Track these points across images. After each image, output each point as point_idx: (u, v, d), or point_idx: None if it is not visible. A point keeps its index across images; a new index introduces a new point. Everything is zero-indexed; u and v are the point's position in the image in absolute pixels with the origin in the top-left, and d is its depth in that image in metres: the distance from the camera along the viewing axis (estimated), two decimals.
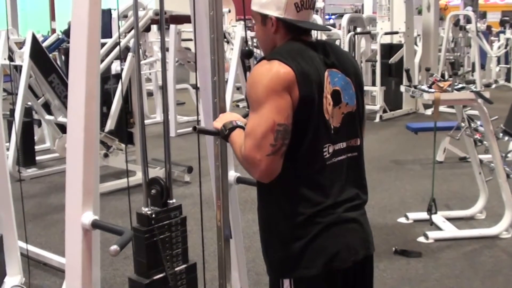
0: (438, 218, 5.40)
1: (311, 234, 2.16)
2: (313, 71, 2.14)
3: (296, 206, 2.17)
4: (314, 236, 2.16)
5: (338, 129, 2.21)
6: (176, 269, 2.77)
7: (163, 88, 2.85)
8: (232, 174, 2.97)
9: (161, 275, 2.70)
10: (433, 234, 5.12)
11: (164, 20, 2.83)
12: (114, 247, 2.21)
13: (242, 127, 2.25)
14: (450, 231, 5.26)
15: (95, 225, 2.43)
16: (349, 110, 2.25)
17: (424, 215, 5.28)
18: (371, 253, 2.34)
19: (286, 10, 2.22)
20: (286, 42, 2.25)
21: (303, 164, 2.15)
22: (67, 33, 10.18)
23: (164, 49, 2.95)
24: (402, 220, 5.59)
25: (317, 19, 13.31)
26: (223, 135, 2.30)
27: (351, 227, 2.22)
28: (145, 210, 2.68)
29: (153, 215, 2.66)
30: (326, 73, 2.18)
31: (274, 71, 2.09)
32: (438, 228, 5.30)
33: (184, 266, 2.80)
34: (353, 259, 2.21)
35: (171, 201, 2.76)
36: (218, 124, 2.35)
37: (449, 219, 5.47)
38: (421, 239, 5.12)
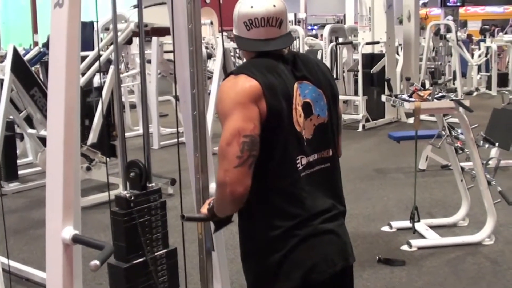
0: (421, 226, 5.41)
1: (288, 246, 2.16)
2: (280, 84, 2.16)
3: (272, 219, 2.17)
4: (291, 248, 2.16)
5: (310, 140, 2.22)
6: (156, 253, 2.74)
7: (143, 97, 2.86)
8: (213, 187, 2.96)
9: (140, 260, 2.67)
10: (416, 242, 5.14)
11: (145, 32, 2.83)
12: (94, 262, 2.20)
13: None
14: (433, 239, 5.28)
15: (75, 239, 2.42)
16: (321, 122, 2.27)
17: (407, 223, 5.29)
18: (350, 264, 2.34)
19: (238, 28, 2.28)
20: (254, 57, 2.28)
21: (276, 176, 2.16)
22: (47, 45, 10.16)
23: (144, 61, 2.95)
24: (385, 228, 5.61)
25: (299, 30, 13.38)
26: (211, 212, 2.30)
27: (328, 239, 2.23)
28: (124, 193, 2.65)
29: (132, 198, 2.63)
30: (295, 85, 2.20)
31: (240, 84, 2.13)
32: (421, 236, 5.31)
33: (164, 251, 2.77)
34: (331, 270, 2.22)
35: (150, 185, 2.74)
36: (207, 211, 2.35)
37: (432, 227, 5.49)
38: (405, 247, 5.13)
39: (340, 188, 2.37)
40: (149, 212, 2.70)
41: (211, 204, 2.32)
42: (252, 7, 2.23)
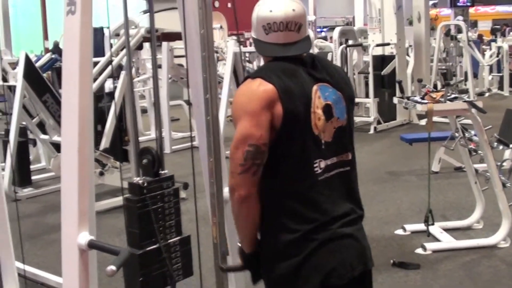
0: (436, 229, 5.39)
1: (307, 251, 2.16)
2: (297, 87, 2.16)
3: (290, 223, 2.17)
4: (310, 253, 2.16)
5: (330, 143, 2.22)
6: (170, 240, 2.73)
7: (155, 101, 2.86)
8: (227, 191, 2.96)
9: (154, 247, 2.67)
10: (430, 245, 5.11)
11: (156, 37, 2.84)
12: (111, 268, 2.21)
13: None
14: (447, 241, 5.25)
15: (91, 245, 2.43)
16: (340, 125, 2.26)
17: (421, 226, 5.27)
18: (369, 268, 2.33)
19: (257, 31, 2.28)
20: (271, 60, 2.27)
21: (294, 180, 2.16)
22: (53, 51, 10.21)
23: (156, 66, 2.96)
24: (399, 232, 5.58)
25: (309, 32, 13.34)
26: (240, 251, 2.36)
27: (347, 243, 2.22)
28: (137, 179, 2.65)
29: (145, 184, 2.63)
30: (315, 88, 2.20)
31: (254, 89, 2.14)
32: (436, 239, 5.29)
33: (177, 238, 2.77)
34: (350, 275, 2.21)
35: (163, 172, 2.74)
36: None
37: (447, 230, 5.47)
38: (419, 250, 5.11)
39: (358, 191, 2.36)
40: (162, 199, 2.70)
41: (239, 244, 2.36)
42: (271, 11, 2.23)
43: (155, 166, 2.71)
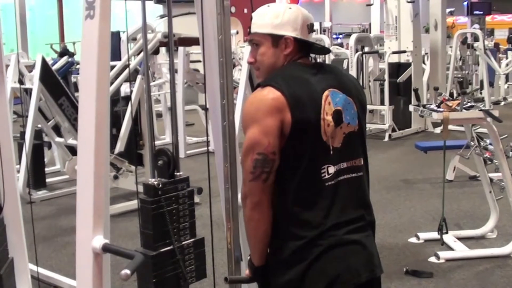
0: (449, 237, 5.37)
1: (312, 256, 2.16)
2: (306, 94, 2.16)
3: (296, 230, 2.18)
4: (315, 258, 2.16)
5: (339, 149, 2.21)
6: (184, 242, 2.73)
7: (172, 106, 2.86)
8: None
9: (168, 248, 2.66)
10: (444, 254, 5.09)
11: (173, 42, 2.85)
12: (125, 272, 2.21)
13: None
14: (461, 250, 5.23)
15: (105, 249, 2.44)
16: (351, 130, 2.26)
17: (435, 234, 5.25)
18: (377, 276, 2.31)
19: (301, 30, 2.27)
20: (283, 66, 2.28)
21: (301, 187, 2.17)
22: (61, 54, 10.27)
23: (173, 70, 2.97)
24: (413, 240, 5.56)
25: (324, 39, 13.36)
26: (250, 265, 2.36)
27: (353, 249, 2.22)
28: (152, 180, 2.66)
29: (160, 185, 2.64)
30: (325, 94, 2.20)
31: (263, 98, 2.15)
32: (449, 248, 5.27)
33: (191, 240, 2.77)
34: (356, 281, 2.20)
35: (178, 173, 2.74)
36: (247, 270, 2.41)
37: (460, 239, 5.44)
38: (432, 259, 5.09)
39: (369, 198, 2.36)
40: (177, 200, 2.70)
41: (249, 257, 2.36)
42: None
43: (171, 168, 2.71)
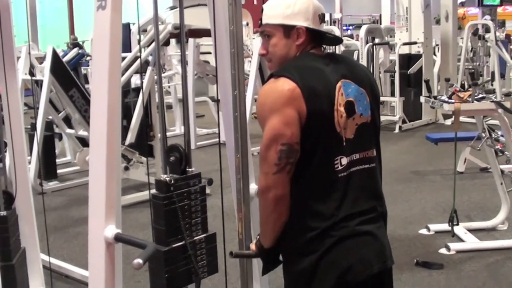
0: (460, 229, 5.36)
1: (324, 247, 2.16)
2: (321, 85, 2.15)
3: (308, 221, 2.17)
4: (327, 249, 2.16)
5: (352, 140, 2.20)
6: (196, 238, 2.74)
7: (184, 98, 2.86)
8: (254, 187, 2.97)
9: (180, 244, 2.67)
10: (454, 246, 5.09)
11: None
12: (137, 261, 2.22)
13: None
14: (472, 242, 5.22)
15: (118, 238, 2.45)
16: (364, 121, 2.25)
17: (445, 226, 5.25)
18: (389, 267, 2.32)
19: (313, 20, 2.26)
20: (296, 57, 2.27)
21: (313, 178, 2.16)
22: (74, 46, 10.30)
23: (184, 62, 2.97)
24: (423, 231, 5.56)
25: (335, 30, 13.32)
26: (258, 245, 2.36)
27: (365, 240, 2.21)
28: (164, 176, 2.66)
29: (172, 181, 2.65)
30: (338, 85, 2.18)
31: (279, 88, 2.13)
32: (460, 240, 5.26)
33: (203, 235, 2.77)
34: (368, 272, 2.20)
35: (190, 169, 2.75)
36: (252, 245, 2.41)
37: (471, 230, 5.43)
38: (443, 250, 5.08)
39: (381, 189, 2.35)
40: (189, 196, 2.70)
41: (257, 237, 2.36)
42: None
43: (183, 164, 2.71)
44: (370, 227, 2.24)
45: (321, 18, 2.30)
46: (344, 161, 2.18)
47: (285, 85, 2.12)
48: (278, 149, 2.09)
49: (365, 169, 2.25)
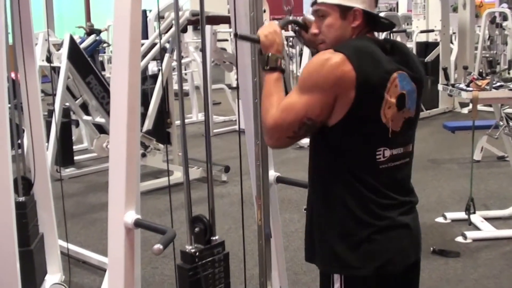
0: (476, 217, 5.34)
1: (365, 237, 2.13)
2: (376, 74, 2.06)
3: (352, 209, 2.13)
4: (370, 238, 2.13)
5: (397, 134, 2.14)
6: None
7: (204, 86, 2.85)
8: (272, 174, 2.97)
9: None
10: (471, 234, 5.07)
11: (200, 21, 2.82)
12: (158, 246, 2.23)
13: (283, 71, 2.25)
14: (488, 231, 5.20)
15: (137, 224, 2.46)
16: (410, 116, 2.19)
17: (462, 214, 5.23)
18: (420, 256, 2.33)
19: (369, 3, 2.19)
20: (355, 39, 2.18)
21: (357, 167, 2.12)
22: (89, 33, 10.33)
23: (205, 49, 2.98)
24: (440, 219, 5.55)
25: None
26: (264, 64, 2.25)
27: (404, 232, 2.20)
28: (189, 248, 2.62)
29: (197, 253, 2.63)
30: (394, 75, 2.10)
31: (333, 66, 2.03)
32: (477, 228, 5.24)
33: None
34: (406, 263, 2.21)
35: (214, 238, 2.75)
36: (262, 35, 2.27)
37: (487, 219, 5.41)
38: (459, 239, 5.07)
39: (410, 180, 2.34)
40: (213, 265, 2.68)
41: (268, 67, 2.24)
42: None
43: (207, 235, 2.69)
44: (408, 219, 2.22)
45: (376, 1, 2.22)
46: (387, 153, 2.14)
47: (340, 66, 2.02)
48: (303, 121, 2.05)
49: (403, 163, 2.22)
